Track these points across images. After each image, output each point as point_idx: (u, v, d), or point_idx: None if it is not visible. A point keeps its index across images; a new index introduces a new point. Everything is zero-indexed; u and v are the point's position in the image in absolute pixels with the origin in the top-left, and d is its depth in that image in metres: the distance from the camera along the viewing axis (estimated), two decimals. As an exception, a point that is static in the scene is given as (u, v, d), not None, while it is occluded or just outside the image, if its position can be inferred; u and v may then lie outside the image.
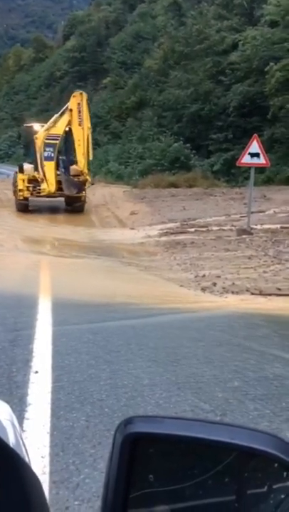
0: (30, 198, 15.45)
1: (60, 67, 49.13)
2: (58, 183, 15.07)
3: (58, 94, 41.77)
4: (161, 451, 0.60)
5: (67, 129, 15.18)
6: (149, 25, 41.95)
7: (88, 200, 17.14)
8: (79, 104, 14.89)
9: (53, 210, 16.08)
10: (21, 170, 15.43)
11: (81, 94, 15.22)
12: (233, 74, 25.92)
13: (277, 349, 4.24)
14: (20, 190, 15.15)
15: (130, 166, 28.51)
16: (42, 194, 15.12)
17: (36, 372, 3.52)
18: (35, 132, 15.71)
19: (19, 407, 2.91)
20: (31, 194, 15.17)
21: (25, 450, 0.81)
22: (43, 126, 15.79)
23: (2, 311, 5.10)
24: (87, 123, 15.02)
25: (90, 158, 15.44)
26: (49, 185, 14.90)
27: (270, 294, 6.26)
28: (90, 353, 3.96)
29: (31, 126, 16.65)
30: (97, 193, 19.93)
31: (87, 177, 15.11)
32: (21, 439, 0.83)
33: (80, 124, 14.80)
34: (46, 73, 51.79)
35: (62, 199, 15.76)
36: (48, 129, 15.24)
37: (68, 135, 15.38)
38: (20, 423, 2.64)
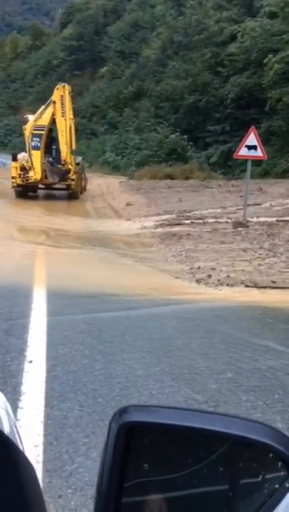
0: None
1: (57, 56, 48.60)
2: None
3: (55, 83, 41.27)
4: (156, 441, 0.60)
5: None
6: (148, 14, 41.57)
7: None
8: (62, 96, 15.68)
9: (50, 199, 16.39)
10: (15, 158, 16.21)
11: (64, 86, 15.97)
12: (231, 65, 25.78)
13: (270, 341, 4.27)
14: (13, 178, 15.84)
15: (127, 156, 28.39)
16: (30, 181, 15.76)
17: (30, 361, 3.52)
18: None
19: (13, 396, 2.92)
20: (22, 181, 15.77)
21: (20, 439, 0.81)
22: None
23: (-3, 300, 5.09)
24: (69, 114, 15.78)
25: (73, 147, 16.29)
26: (35, 173, 15.62)
27: (264, 287, 6.28)
28: (85, 343, 3.96)
29: (27, 117, 17.49)
30: (93, 184, 19.89)
31: (70, 166, 15.72)
32: (15, 427, 0.83)
33: (62, 115, 15.60)
34: (43, 61, 51.20)
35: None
36: (35, 120, 16.07)
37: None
38: (14, 412, 2.64)
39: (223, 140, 24.55)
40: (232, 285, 6.38)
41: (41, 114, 16.19)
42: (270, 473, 0.57)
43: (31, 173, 15.66)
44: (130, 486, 0.58)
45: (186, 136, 25.46)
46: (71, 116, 16.04)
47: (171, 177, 21.31)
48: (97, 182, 20.50)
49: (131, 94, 34.82)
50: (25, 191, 16.11)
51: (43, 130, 15.90)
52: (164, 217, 12.37)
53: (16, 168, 15.81)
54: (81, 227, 11.54)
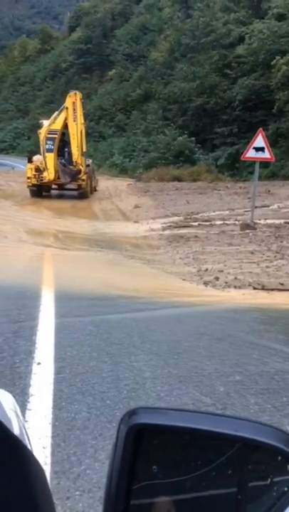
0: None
1: (65, 59, 48.81)
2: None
3: (63, 86, 41.47)
4: (165, 443, 0.60)
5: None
6: (156, 17, 41.62)
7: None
8: (74, 102, 17.13)
9: (58, 201, 16.93)
10: (30, 160, 17.72)
11: (75, 94, 17.45)
12: (239, 67, 25.76)
13: (278, 344, 4.25)
14: (28, 178, 17.23)
15: (134, 159, 28.42)
16: (44, 181, 17.12)
17: (39, 363, 3.53)
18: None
19: (21, 398, 2.93)
20: (36, 181, 17.14)
21: (28, 440, 0.81)
22: None
23: (6, 302, 5.11)
24: (80, 119, 17.21)
25: (84, 150, 17.83)
26: (49, 174, 16.99)
27: (272, 289, 6.26)
28: (92, 345, 3.97)
29: (42, 122, 18.86)
30: (101, 186, 19.95)
31: (80, 167, 17.08)
32: (24, 429, 0.83)
33: (74, 120, 17.00)
34: (52, 64, 51.46)
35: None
36: (49, 125, 17.51)
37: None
38: (23, 414, 2.65)
39: (230, 142, 24.53)
40: (239, 287, 6.36)
41: (55, 119, 17.51)
42: (279, 476, 0.57)
43: (45, 174, 16.96)
44: (139, 488, 0.59)
45: (193, 138, 25.46)
46: (82, 121, 17.36)
47: (178, 179, 21.33)
48: (105, 184, 20.57)
49: (139, 96, 34.87)
50: (40, 191, 17.34)
51: (56, 134, 17.19)
52: (171, 220, 12.38)
53: (31, 169, 17.11)
54: (89, 230, 11.57)
